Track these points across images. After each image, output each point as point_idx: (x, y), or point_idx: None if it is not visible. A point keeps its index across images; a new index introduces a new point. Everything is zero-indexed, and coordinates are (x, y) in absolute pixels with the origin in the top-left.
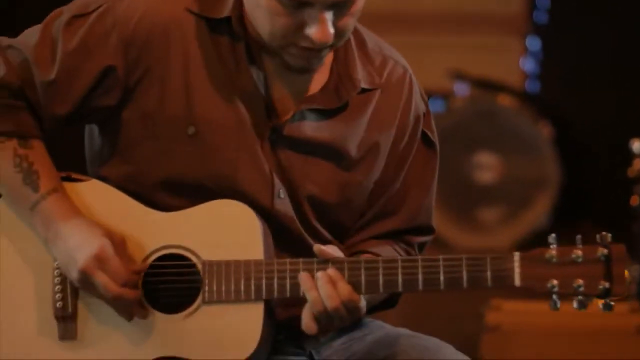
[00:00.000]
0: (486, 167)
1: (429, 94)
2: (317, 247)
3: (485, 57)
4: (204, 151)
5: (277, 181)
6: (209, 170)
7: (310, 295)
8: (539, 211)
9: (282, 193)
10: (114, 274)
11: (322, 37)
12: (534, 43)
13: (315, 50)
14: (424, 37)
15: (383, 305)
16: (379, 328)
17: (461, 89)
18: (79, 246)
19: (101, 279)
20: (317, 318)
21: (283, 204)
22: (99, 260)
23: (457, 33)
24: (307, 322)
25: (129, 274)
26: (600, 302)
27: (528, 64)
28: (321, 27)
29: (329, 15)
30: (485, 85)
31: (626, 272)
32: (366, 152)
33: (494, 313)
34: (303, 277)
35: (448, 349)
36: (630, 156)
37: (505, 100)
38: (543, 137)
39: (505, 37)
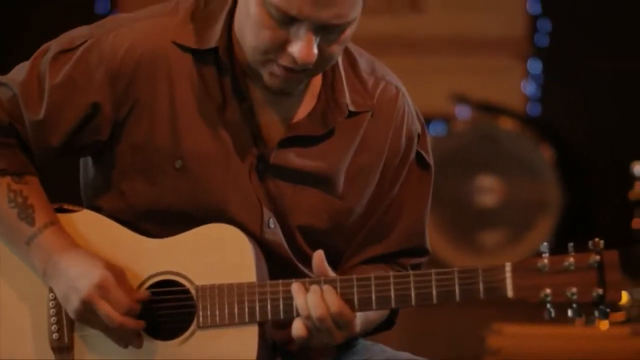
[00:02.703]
0: (488, 190)
1: (431, 117)
2: (318, 253)
3: (487, 80)
4: (192, 184)
5: (266, 211)
6: (198, 202)
7: (298, 301)
8: (540, 234)
9: (272, 222)
10: (116, 303)
11: (304, 57)
12: (535, 66)
13: (294, 72)
14: (425, 60)
15: (381, 327)
16: (380, 352)
17: (463, 112)
18: (80, 277)
19: (104, 308)
20: (307, 325)
21: (273, 233)
22: (101, 289)
23: (459, 56)
24: (297, 325)
25: (131, 302)
26: (595, 311)
27: (529, 87)
28: (305, 46)
29: (315, 37)
30: (487, 109)
31: (625, 295)
32: (356, 177)
33: (495, 336)
34: (294, 286)
35: None
36: (631, 179)
37: (506, 124)
38: (544, 160)
39: (507, 60)
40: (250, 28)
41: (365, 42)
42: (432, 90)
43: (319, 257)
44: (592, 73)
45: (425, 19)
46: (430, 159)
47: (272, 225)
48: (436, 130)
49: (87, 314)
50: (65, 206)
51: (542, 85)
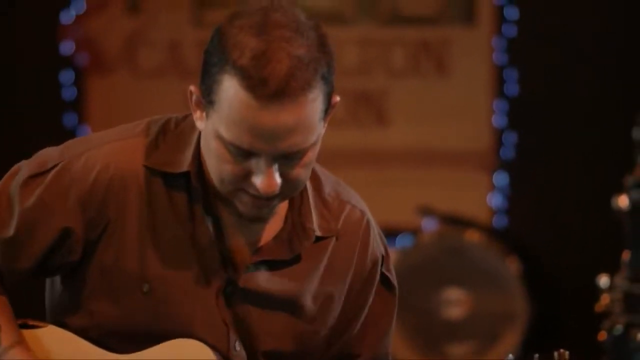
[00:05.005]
0: (454, 302)
1: (397, 230)
2: None
3: (453, 192)
4: (159, 308)
5: (232, 334)
6: (164, 325)
7: None
8: (507, 346)
9: (238, 346)
10: None
11: (266, 187)
12: (501, 179)
13: (264, 199)
14: (391, 172)
15: None
16: None
17: (429, 225)
18: None
19: None
20: None
21: (239, 356)
22: None
23: (425, 169)
24: None
25: None
26: None
27: (495, 200)
28: (267, 178)
29: (275, 166)
30: (453, 221)
31: None
32: (321, 301)
33: None
34: None
35: None
36: (597, 292)
37: (473, 236)
38: (511, 273)
39: (473, 172)
40: (213, 161)
41: (332, 155)
42: (398, 202)
43: None
44: (558, 186)
45: (391, 132)
46: (394, 281)
47: (238, 348)
48: (403, 242)
49: None
50: (30, 322)
51: (509, 198)
